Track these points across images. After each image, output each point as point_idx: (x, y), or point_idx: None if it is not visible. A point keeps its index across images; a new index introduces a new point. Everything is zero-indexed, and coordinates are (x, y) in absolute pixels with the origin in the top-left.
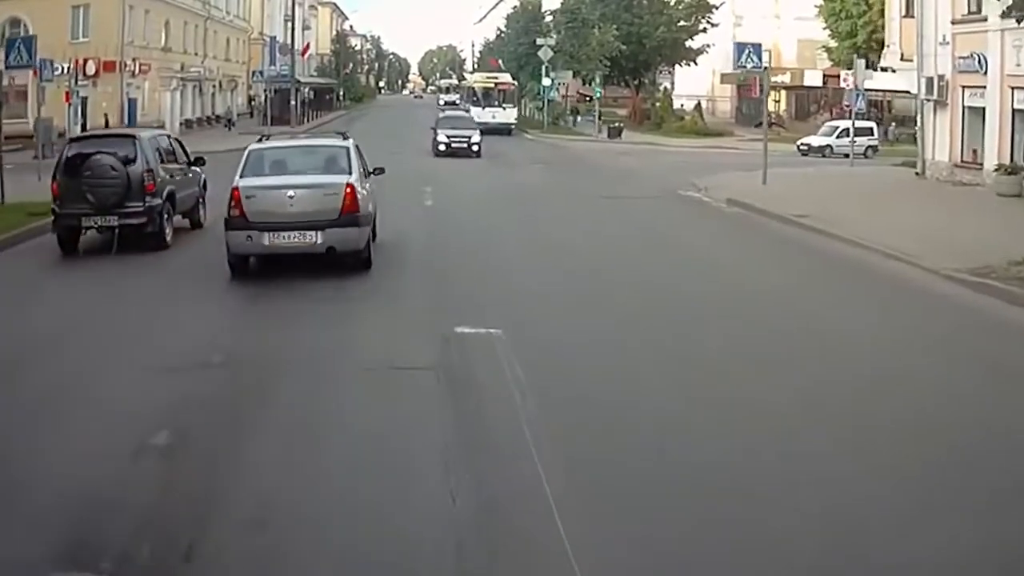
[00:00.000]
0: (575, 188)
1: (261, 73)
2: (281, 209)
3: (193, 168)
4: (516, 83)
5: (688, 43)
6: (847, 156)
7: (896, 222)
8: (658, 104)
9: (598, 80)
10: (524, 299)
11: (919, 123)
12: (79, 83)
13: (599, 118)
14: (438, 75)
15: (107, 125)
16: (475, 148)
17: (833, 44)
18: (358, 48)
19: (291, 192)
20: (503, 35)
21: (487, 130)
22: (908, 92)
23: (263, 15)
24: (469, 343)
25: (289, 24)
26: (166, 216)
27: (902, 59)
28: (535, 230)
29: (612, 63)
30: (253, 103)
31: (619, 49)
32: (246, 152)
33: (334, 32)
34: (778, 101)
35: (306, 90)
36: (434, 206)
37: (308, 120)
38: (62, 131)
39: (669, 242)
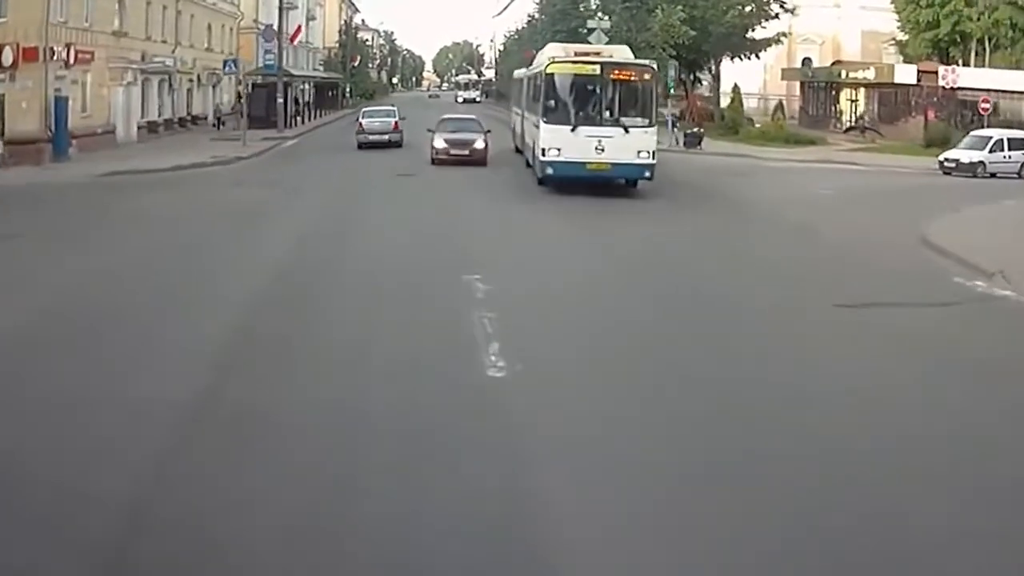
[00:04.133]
0: (752, 275)
1: (234, 63)
2: (375, 126)
3: None
4: (655, 70)
5: (751, 32)
6: (994, 176)
7: None
8: (729, 103)
9: (672, 72)
10: None
11: None
12: None
13: (676, 122)
14: (454, 71)
15: None
16: None
17: (903, 37)
18: (369, 42)
19: (378, 122)
20: (535, 21)
21: (594, 180)
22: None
23: (257, 0)
24: None
25: (288, 11)
26: None
27: None
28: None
29: (676, 52)
30: (242, 100)
31: (686, 34)
32: (361, 111)
33: (342, 23)
34: (855, 101)
35: (302, 85)
36: (499, 338)
37: (306, 121)
38: None
39: None
